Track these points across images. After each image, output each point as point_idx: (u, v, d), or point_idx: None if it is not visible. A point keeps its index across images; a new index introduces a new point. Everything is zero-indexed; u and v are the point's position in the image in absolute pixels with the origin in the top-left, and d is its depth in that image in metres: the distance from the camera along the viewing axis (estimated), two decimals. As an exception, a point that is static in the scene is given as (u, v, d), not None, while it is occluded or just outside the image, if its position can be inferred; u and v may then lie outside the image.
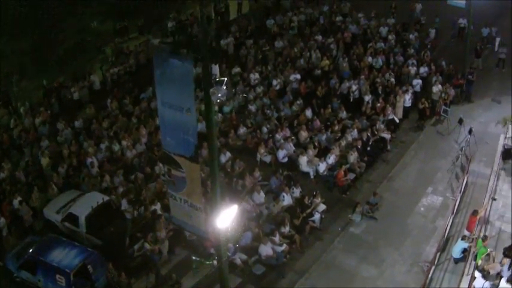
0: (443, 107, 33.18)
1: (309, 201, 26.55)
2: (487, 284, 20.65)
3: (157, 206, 26.04)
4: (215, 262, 21.87)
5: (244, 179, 28.10)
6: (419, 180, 29.52)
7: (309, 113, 33.23)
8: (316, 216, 26.22)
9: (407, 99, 33.67)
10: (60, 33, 31.36)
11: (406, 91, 33.80)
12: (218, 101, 16.85)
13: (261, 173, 28.89)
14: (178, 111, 18.54)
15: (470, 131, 30.29)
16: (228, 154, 29.75)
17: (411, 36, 40.72)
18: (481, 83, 36.49)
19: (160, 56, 18.70)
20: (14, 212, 26.65)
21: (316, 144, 30.46)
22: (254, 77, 36.77)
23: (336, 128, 31.77)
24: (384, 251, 25.19)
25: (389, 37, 40.82)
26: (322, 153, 29.98)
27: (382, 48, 39.36)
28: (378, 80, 35.44)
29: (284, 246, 24.35)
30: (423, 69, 36.46)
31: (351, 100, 34.77)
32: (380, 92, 34.66)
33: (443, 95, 34.03)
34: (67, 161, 29.66)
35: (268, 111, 33.64)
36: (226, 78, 16.13)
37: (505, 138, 29.79)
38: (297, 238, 25.16)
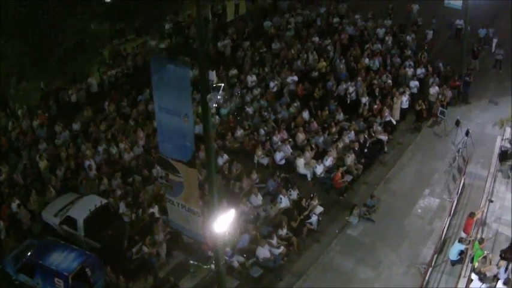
0: (440, 108, 33.18)
1: (306, 203, 26.61)
2: (484, 286, 20.75)
3: (155, 209, 26.09)
4: (213, 266, 21.92)
5: (241, 181, 28.13)
6: (417, 182, 29.57)
7: (306, 115, 33.28)
8: (314, 219, 26.28)
9: (404, 100, 33.69)
10: (61, 33, 31.27)
11: (403, 93, 33.82)
12: (215, 105, 16.93)
13: (259, 175, 28.95)
14: (175, 116, 18.64)
15: (467, 133, 30.38)
16: (226, 156, 29.77)
17: (408, 37, 40.82)
18: (478, 84, 36.52)
19: (157, 61, 18.77)
20: (13, 215, 26.61)
21: (313, 146, 30.47)
22: (251, 79, 36.76)
23: (333, 130, 31.78)
24: (381, 252, 25.24)
25: (386, 38, 40.89)
26: (320, 155, 29.97)
27: (379, 49, 39.41)
28: (375, 81, 35.51)
29: (281, 249, 24.42)
30: (420, 71, 36.52)
31: (348, 102, 34.81)
32: (377, 94, 34.71)
33: (440, 96, 34.08)
34: (65, 163, 29.64)
35: (266, 113, 33.67)
36: (223, 84, 16.19)
37: (502, 140, 29.75)
38: (294, 240, 25.20)
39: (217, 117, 32.79)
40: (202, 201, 23.04)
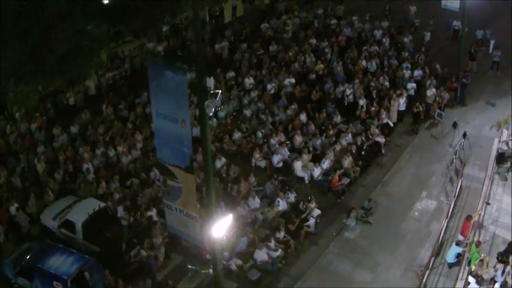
0: (438, 110, 33.28)
1: (304, 206, 26.71)
2: (481, 289, 20.89)
3: (153, 212, 26.14)
4: (211, 271, 21.98)
5: (239, 184, 28.18)
6: (414, 184, 29.65)
7: (303, 117, 33.31)
8: (311, 221, 26.34)
9: (401, 103, 33.78)
10: (61, 33, 31.23)
11: (401, 95, 33.89)
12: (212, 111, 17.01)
13: (256, 178, 28.99)
14: (173, 122, 18.69)
15: (464, 135, 30.41)
16: (223, 159, 29.78)
17: (405, 39, 40.90)
18: (475, 86, 36.63)
19: (154, 68, 18.83)
20: (11, 218, 26.65)
21: (310, 149, 30.50)
22: (249, 81, 36.76)
23: (331, 132, 31.87)
24: (378, 255, 25.33)
25: (384, 40, 40.92)
26: (317, 158, 30.02)
27: (376, 51, 39.47)
28: (372, 84, 35.54)
29: (279, 252, 24.49)
30: (417, 73, 36.56)
31: (346, 104, 34.85)
32: (374, 96, 34.73)
33: (437, 98, 34.14)
34: (63, 167, 29.66)
35: (263, 115, 33.71)
36: (220, 91, 16.26)
37: (499, 142, 29.90)
38: (292, 243, 25.27)
39: (214, 119, 32.78)
40: (200, 203, 23.13)
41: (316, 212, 26.81)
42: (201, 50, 17.40)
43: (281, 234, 25.40)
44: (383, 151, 31.79)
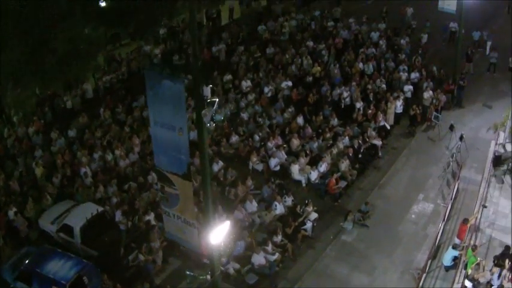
0: (435, 113, 33.33)
1: (301, 210, 26.79)
2: (477, 292, 20.99)
3: (151, 216, 26.18)
4: (209, 277, 22.01)
5: (236, 187, 28.25)
6: (411, 187, 29.73)
7: (300, 120, 33.31)
8: (308, 225, 26.43)
9: (398, 105, 33.84)
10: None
11: (397, 97, 33.97)
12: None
13: (253, 182, 29.03)
14: (170, 130, 18.79)
15: (461, 137, 30.53)
16: (221, 163, 29.80)
17: (402, 41, 40.96)
18: (472, 88, 36.70)
19: (151, 76, 18.89)
20: (9, 222, 26.71)
21: (307, 152, 30.54)
22: (246, 84, 36.77)
23: (328, 135, 31.88)
24: (375, 258, 25.42)
25: (381, 42, 40.96)
26: (314, 161, 30.05)
27: (373, 53, 39.52)
28: (369, 86, 35.63)
29: (277, 255, 24.56)
30: (414, 75, 36.63)
31: (342, 107, 34.92)
32: (371, 99, 34.85)
33: (434, 101, 34.20)
34: (61, 171, 29.69)
35: (260, 119, 33.73)
36: (217, 99, 16.34)
37: (496, 144, 29.89)
38: (289, 247, 25.34)
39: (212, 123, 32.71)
40: (198, 208, 23.19)
41: (313, 215, 26.92)
42: (197, 54, 17.41)
43: (278, 238, 25.44)
44: (380, 154, 31.86)
